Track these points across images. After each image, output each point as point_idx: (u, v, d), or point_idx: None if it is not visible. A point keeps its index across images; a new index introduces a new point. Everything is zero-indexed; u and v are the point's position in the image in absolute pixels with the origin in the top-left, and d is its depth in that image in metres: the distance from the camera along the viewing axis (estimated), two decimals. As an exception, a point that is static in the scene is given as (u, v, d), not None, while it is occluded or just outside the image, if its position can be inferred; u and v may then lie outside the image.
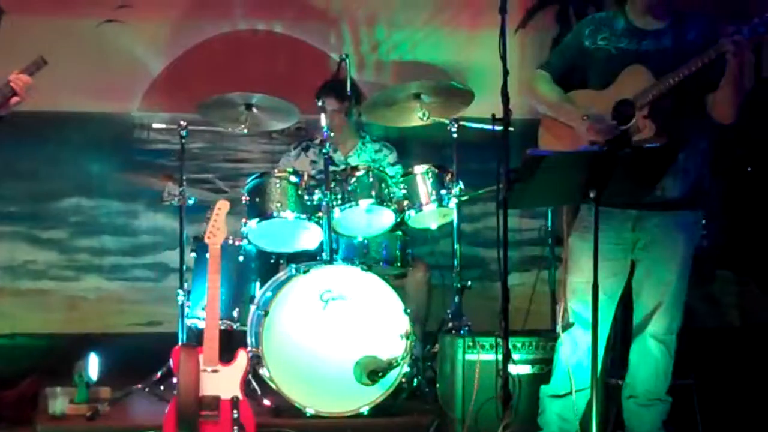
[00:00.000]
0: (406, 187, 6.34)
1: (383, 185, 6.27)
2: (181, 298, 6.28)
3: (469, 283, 6.29)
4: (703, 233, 6.11)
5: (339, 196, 6.19)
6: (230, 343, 5.84)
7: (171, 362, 5.44)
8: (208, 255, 5.53)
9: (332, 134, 6.40)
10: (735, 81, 4.92)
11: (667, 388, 5.30)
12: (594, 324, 4.73)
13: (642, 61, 5.07)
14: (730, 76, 4.91)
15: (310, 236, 6.33)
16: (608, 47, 5.20)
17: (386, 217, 6.30)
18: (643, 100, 4.99)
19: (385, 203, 6.24)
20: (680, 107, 5.04)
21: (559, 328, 5.31)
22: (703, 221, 5.49)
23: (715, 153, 5.32)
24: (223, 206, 5.58)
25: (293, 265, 6.07)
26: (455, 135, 6.39)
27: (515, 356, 5.35)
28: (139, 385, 6.31)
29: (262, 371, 5.89)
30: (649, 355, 5.23)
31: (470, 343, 5.64)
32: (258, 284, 6.38)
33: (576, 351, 5.24)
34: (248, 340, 6.09)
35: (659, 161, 4.74)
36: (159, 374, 6.32)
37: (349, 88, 6.55)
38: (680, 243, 5.20)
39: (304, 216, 6.20)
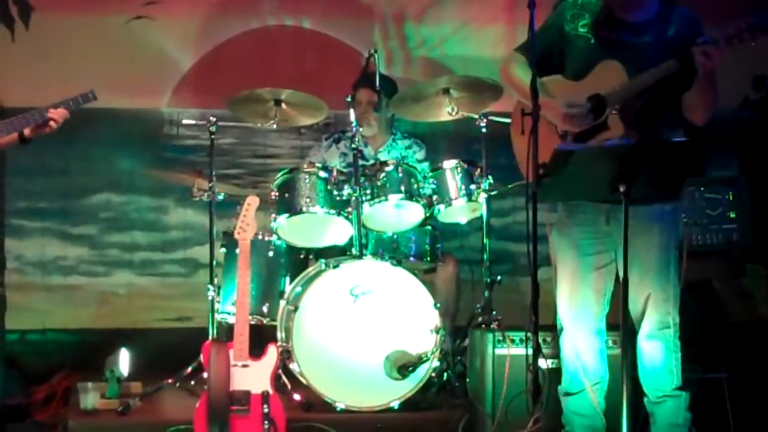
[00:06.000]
0: (435, 182, 6.34)
1: (412, 180, 6.27)
2: (211, 294, 6.29)
3: (499, 277, 6.28)
4: (736, 227, 6.06)
5: (368, 191, 6.19)
6: (260, 338, 5.84)
7: (201, 357, 5.47)
8: (237, 250, 5.55)
9: (362, 129, 6.41)
10: (703, 88, 4.87)
11: (677, 382, 5.09)
12: (623, 318, 4.71)
13: (618, 54, 4.94)
14: (700, 83, 4.85)
15: (339, 231, 6.34)
16: (588, 35, 5.08)
17: (415, 212, 6.30)
18: (614, 99, 4.90)
19: (414, 198, 6.24)
20: (655, 104, 4.94)
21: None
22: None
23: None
24: (252, 202, 5.59)
25: (323, 260, 6.07)
26: (484, 130, 6.37)
27: (545, 350, 5.34)
28: (170, 380, 6.33)
29: (292, 366, 5.91)
30: (644, 355, 5.09)
31: (500, 338, 5.64)
32: (288, 279, 6.39)
33: (576, 351, 5.21)
34: (278, 335, 6.10)
35: (686, 156, 4.70)
36: (189, 369, 6.33)
37: (378, 83, 6.55)
38: (656, 232, 5.03)
39: (333, 211, 6.21)
